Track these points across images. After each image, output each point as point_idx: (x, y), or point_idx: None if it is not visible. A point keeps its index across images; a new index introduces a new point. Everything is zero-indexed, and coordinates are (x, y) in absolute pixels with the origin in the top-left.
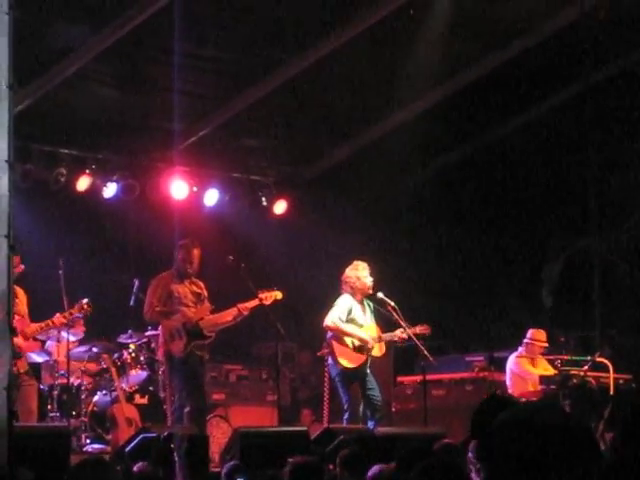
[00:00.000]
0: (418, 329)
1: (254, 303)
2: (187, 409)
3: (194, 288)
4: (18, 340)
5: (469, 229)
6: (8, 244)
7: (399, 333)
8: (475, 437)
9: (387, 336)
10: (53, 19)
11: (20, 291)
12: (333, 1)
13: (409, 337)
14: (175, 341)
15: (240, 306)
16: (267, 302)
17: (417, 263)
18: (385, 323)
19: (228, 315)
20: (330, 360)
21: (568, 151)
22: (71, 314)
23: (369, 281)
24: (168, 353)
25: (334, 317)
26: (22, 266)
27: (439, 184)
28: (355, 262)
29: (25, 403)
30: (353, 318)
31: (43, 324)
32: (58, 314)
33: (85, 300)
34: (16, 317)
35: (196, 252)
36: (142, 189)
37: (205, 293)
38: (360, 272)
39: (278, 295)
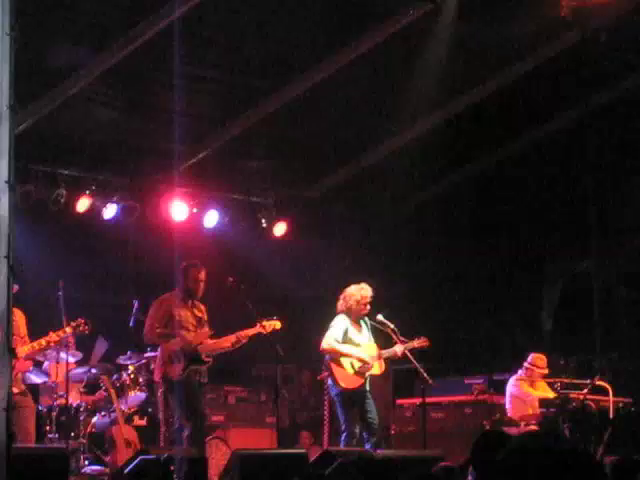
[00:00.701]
0: (416, 342)
1: (253, 331)
2: (186, 432)
3: (195, 312)
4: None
5: (468, 252)
6: (8, 265)
7: (398, 349)
8: (475, 468)
9: (386, 352)
10: (54, 40)
11: (17, 312)
12: (333, 24)
13: (408, 355)
14: (173, 364)
15: (239, 334)
16: (266, 331)
17: (416, 285)
18: (383, 341)
19: (227, 341)
20: (330, 381)
21: (568, 174)
22: (64, 332)
23: (366, 307)
24: (165, 375)
25: (330, 339)
26: (16, 286)
27: (438, 206)
28: (361, 284)
29: (22, 425)
30: (350, 338)
31: (36, 343)
32: (51, 332)
33: (81, 319)
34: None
35: (204, 274)
36: (142, 210)
37: (205, 317)
38: (363, 294)
39: (277, 325)
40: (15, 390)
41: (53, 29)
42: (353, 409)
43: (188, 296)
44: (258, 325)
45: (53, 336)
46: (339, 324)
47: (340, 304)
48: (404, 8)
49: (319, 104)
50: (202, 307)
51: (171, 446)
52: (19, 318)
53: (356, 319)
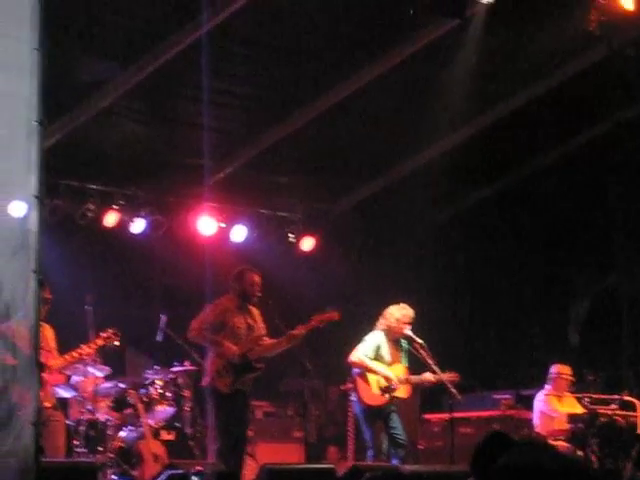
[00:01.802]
0: (446, 376)
1: (310, 326)
2: (217, 446)
3: (248, 318)
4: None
5: (496, 266)
6: (37, 279)
7: (428, 377)
8: (475, 475)
9: (415, 379)
10: (83, 55)
11: (46, 326)
12: (361, 39)
13: (437, 380)
14: (222, 378)
15: (294, 331)
16: (322, 324)
17: (444, 300)
18: (419, 366)
19: (282, 342)
20: (354, 397)
21: (595, 189)
22: (96, 344)
23: (406, 328)
24: (214, 388)
25: (359, 353)
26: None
27: (466, 221)
28: (402, 304)
29: (52, 439)
30: (382, 355)
31: (68, 356)
32: (83, 345)
33: (111, 330)
34: (42, 352)
35: (259, 278)
36: (170, 225)
37: (259, 321)
38: (403, 315)
39: (335, 316)
40: (47, 404)
41: (82, 44)
42: (377, 425)
43: (243, 301)
44: (314, 319)
45: (85, 348)
46: (372, 339)
47: (379, 322)
48: (431, 23)
49: (346, 119)
50: (256, 312)
51: (203, 459)
52: (47, 332)
53: (394, 338)
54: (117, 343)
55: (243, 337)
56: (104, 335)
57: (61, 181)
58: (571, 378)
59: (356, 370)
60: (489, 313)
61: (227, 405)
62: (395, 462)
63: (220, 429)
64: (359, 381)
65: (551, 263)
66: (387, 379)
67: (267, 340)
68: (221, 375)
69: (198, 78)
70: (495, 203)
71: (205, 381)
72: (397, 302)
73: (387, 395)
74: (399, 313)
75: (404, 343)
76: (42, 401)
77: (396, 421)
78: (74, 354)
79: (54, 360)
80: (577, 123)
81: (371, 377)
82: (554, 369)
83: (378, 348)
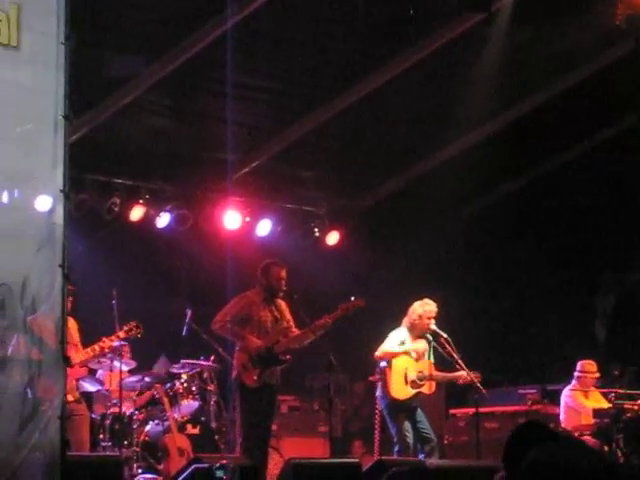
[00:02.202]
0: (474, 376)
1: (336, 314)
2: (242, 440)
3: (274, 311)
4: None
5: (521, 261)
6: (63, 274)
7: (460, 376)
8: (506, 467)
9: (439, 376)
10: (108, 50)
11: (69, 319)
12: (385, 34)
13: (464, 377)
14: (248, 371)
15: (321, 321)
16: (349, 312)
17: (470, 295)
18: (445, 362)
19: (309, 333)
20: (379, 391)
21: (621, 182)
22: (118, 337)
23: (430, 323)
24: (240, 382)
25: (383, 348)
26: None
27: (492, 215)
28: (426, 300)
29: (77, 433)
30: (407, 350)
31: (90, 350)
32: (104, 337)
33: (133, 322)
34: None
35: (285, 272)
36: (195, 219)
37: (286, 313)
38: (425, 311)
39: (360, 303)
40: (70, 398)
41: (108, 39)
42: (404, 419)
43: (270, 294)
44: (340, 308)
45: (107, 342)
46: (396, 335)
47: (404, 319)
48: (457, 17)
49: (372, 113)
50: (283, 305)
51: (228, 453)
52: (71, 325)
53: (420, 334)
54: (139, 335)
55: (270, 330)
56: (126, 327)
57: (87, 175)
58: (596, 375)
59: (382, 364)
60: (515, 308)
61: (253, 399)
62: (421, 457)
63: (245, 423)
64: (388, 373)
65: (578, 257)
66: (417, 352)
67: (295, 331)
68: (247, 369)
69: (223, 73)
70: (521, 198)
71: (233, 374)
72: (421, 298)
73: (414, 388)
74: (422, 309)
75: (430, 338)
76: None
77: (421, 415)
78: (96, 347)
79: (76, 354)
80: (604, 117)
81: (397, 371)
82: (579, 366)
83: (402, 344)
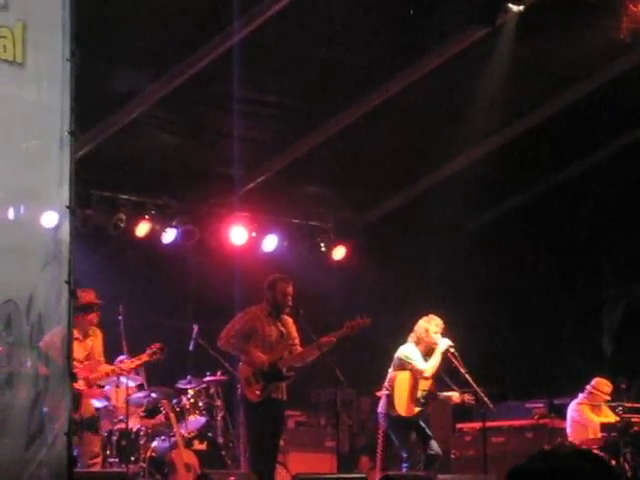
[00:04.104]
0: (466, 397)
1: (341, 332)
2: (248, 455)
3: (280, 326)
4: (79, 385)
5: (528, 276)
6: (69, 290)
7: (454, 397)
8: None
9: (442, 395)
10: (114, 65)
11: (97, 332)
12: (390, 49)
13: (468, 391)
14: (251, 386)
15: (326, 338)
16: (355, 330)
17: (476, 309)
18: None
19: (314, 350)
20: (381, 408)
21: (626, 197)
22: (141, 359)
23: (437, 338)
24: (243, 397)
25: (429, 366)
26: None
27: (498, 230)
28: (431, 315)
29: (89, 449)
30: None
31: (110, 370)
32: (126, 359)
33: (158, 345)
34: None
35: (291, 287)
36: (201, 234)
37: (292, 330)
38: (431, 326)
39: (367, 322)
40: (85, 415)
41: (114, 54)
42: (411, 434)
43: (275, 310)
44: (346, 326)
45: (128, 364)
46: (414, 352)
47: (411, 335)
48: (462, 31)
49: (377, 128)
50: (289, 320)
51: (235, 469)
52: (97, 339)
53: (426, 350)
54: (162, 358)
55: (274, 346)
56: (149, 351)
57: (93, 191)
58: (607, 398)
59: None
60: (521, 322)
61: (256, 414)
62: (428, 472)
63: (250, 438)
64: (395, 390)
65: (584, 271)
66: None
67: (299, 348)
68: (250, 383)
69: (229, 88)
70: (527, 211)
71: (239, 390)
72: (427, 313)
73: (417, 407)
74: (428, 324)
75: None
76: (81, 413)
77: (427, 432)
78: (116, 369)
79: (92, 374)
80: (609, 131)
81: (404, 388)
82: (595, 383)
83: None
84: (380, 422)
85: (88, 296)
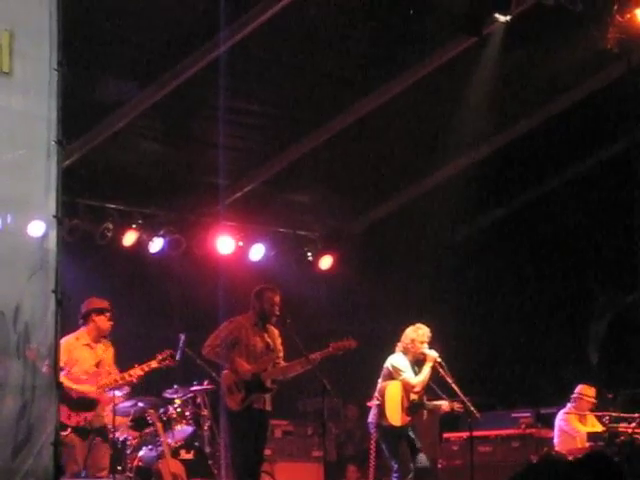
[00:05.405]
0: (456, 406)
1: (326, 352)
2: (232, 464)
3: (266, 337)
4: (91, 390)
5: (515, 285)
6: (56, 299)
7: (444, 406)
8: None
9: (430, 404)
10: (101, 74)
11: (108, 344)
12: (378, 58)
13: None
14: (233, 394)
15: (311, 356)
16: (339, 352)
17: (463, 319)
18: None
19: (296, 365)
20: (372, 418)
21: (614, 206)
22: (149, 366)
23: (423, 347)
24: (225, 406)
25: (419, 379)
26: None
27: (484, 239)
28: (418, 325)
29: (97, 458)
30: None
31: (119, 377)
32: (137, 365)
33: (168, 351)
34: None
35: (279, 297)
36: (188, 244)
37: (278, 342)
38: (418, 336)
39: (352, 344)
40: (96, 424)
41: (100, 64)
42: (401, 444)
43: (262, 320)
44: (331, 347)
45: (138, 370)
46: (404, 364)
47: (398, 344)
48: (449, 41)
49: (364, 137)
50: (275, 332)
51: (222, 479)
52: (109, 351)
53: (414, 359)
54: (173, 364)
55: (259, 356)
56: (160, 357)
57: (80, 200)
58: (593, 400)
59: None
60: (508, 331)
61: (238, 423)
62: None
63: (233, 447)
64: (387, 398)
65: (571, 281)
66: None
67: (282, 363)
68: (232, 392)
69: (216, 97)
70: (513, 221)
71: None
72: (413, 322)
73: (407, 416)
74: (415, 333)
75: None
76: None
77: (416, 443)
78: (125, 376)
79: (100, 381)
80: (596, 140)
81: (394, 398)
82: (578, 389)
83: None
84: (371, 432)
85: (101, 302)
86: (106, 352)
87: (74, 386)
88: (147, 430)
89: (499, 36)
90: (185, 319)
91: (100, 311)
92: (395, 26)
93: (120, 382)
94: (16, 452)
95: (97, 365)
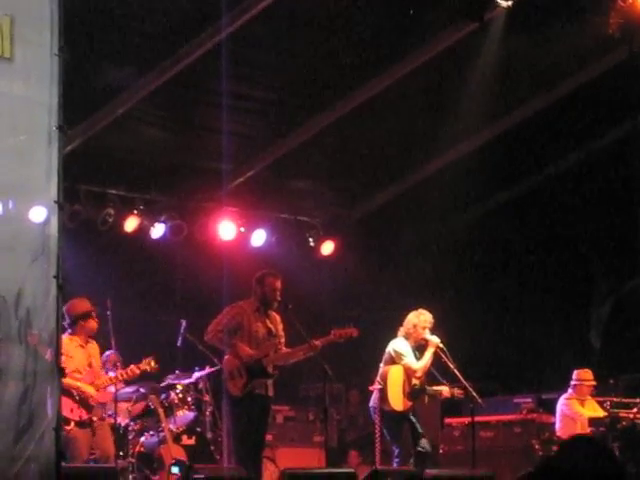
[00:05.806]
0: (457, 392)
1: (327, 339)
2: (234, 450)
3: (268, 323)
4: (91, 391)
5: (516, 270)
6: (57, 284)
7: (444, 391)
8: None
9: (430, 390)
10: (102, 61)
11: (93, 343)
12: (379, 44)
13: (457, 386)
14: (234, 380)
15: (313, 343)
16: (341, 339)
17: (464, 304)
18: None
19: (298, 351)
20: (373, 402)
21: (615, 191)
22: (139, 368)
23: (425, 333)
24: (226, 392)
25: (421, 364)
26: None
27: (487, 225)
28: (420, 310)
29: (102, 445)
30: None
31: (113, 377)
32: (133, 365)
33: (151, 359)
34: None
35: (280, 283)
36: (190, 230)
37: (280, 327)
38: (419, 322)
39: (354, 332)
40: (95, 418)
41: (102, 50)
42: (403, 428)
43: (264, 305)
44: (333, 334)
45: (129, 372)
46: (407, 349)
47: (400, 329)
48: (450, 26)
49: (366, 123)
50: (277, 317)
51: (224, 464)
52: (95, 350)
53: (416, 345)
54: (155, 370)
55: (261, 341)
56: (146, 362)
57: (81, 186)
58: (592, 383)
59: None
60: (509, 317)
61: (239, 408)
62: (417, 466)
63: (234, 433)
64: (390, 383)
65: (573, 266)
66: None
67: (284, 349)
68: (233, 377)
69: (217, 83)
70: (516, 206)
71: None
72: (416, 308)
73: (409, 401)
74: (417, 319)
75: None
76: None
77: (418, 429)
78: (118, 376)
79: (98, 379)
80: (599, 126)
81: (396, 382)
82: (575, 375)
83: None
84: (373, 416)
85: (83, 304)
86: (95, 351)
87: (79, 383)
88: (149, 416)
89: (501, 21)
90: (187, 305)
91: (85, 316)
92: (397, 11)
93: (114, 381)
94: (18, 437)
95: (89, 365)
